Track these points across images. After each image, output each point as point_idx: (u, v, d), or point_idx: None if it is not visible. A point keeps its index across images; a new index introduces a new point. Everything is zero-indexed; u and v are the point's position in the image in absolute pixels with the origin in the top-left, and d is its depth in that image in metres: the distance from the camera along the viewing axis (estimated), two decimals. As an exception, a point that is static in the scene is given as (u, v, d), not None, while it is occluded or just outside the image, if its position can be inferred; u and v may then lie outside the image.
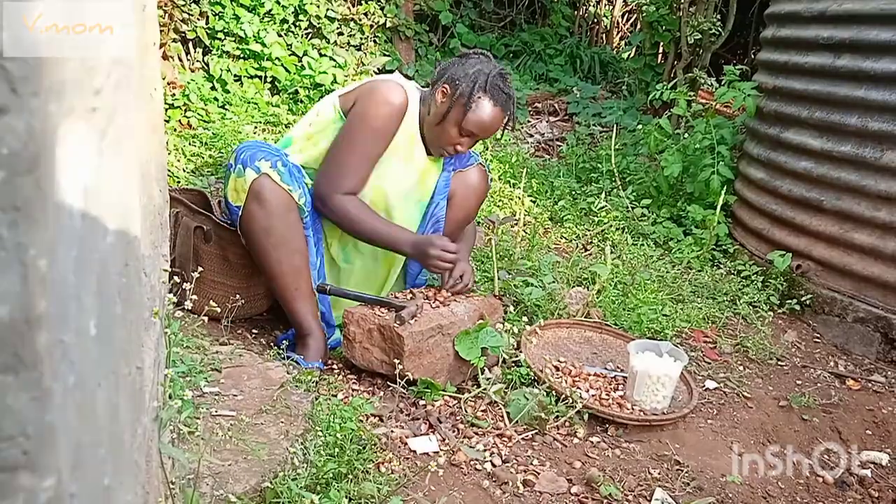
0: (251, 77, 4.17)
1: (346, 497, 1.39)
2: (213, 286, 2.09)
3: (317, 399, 1.75)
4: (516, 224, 2.99)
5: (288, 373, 1.82)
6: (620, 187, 3.69)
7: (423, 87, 2.23)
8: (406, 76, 2.18)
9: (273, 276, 2.00)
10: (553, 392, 1.91)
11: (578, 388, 2.00)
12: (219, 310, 1.58)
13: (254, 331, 2.20)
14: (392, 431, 1.75)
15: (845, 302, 2.65)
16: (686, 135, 3.66)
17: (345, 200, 2.02)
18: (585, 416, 1.89)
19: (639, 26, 5.83)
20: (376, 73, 4.57)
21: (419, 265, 2.26)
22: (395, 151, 2.10)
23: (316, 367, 1.96)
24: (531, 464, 1.73)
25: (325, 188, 2.02)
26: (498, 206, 3.55)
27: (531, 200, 3.65)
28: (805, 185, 2.81)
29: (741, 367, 2.39)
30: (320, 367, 1.99)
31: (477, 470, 1.67)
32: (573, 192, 3.81)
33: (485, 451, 1.73)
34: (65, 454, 0.60)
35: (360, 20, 4.64)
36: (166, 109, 3.60)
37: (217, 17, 4.06)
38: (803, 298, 2.73)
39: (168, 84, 3.75)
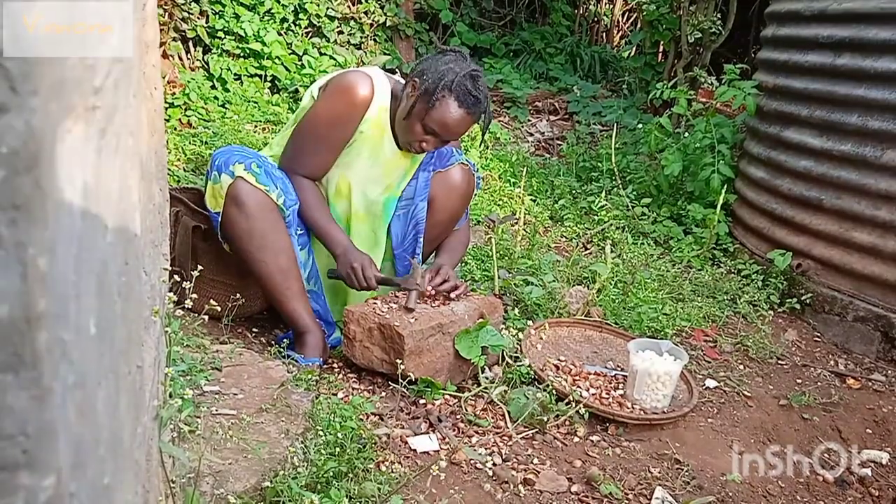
0: (251, 76, 4.16)
1: (347, 496, 1.39)
2: (212, 285, 2.09)
3: (317, 398, 1.75)
4: (516, 223, 2.99)
5: (288, 371, 1.82)
6: (620, 186, 3.69)
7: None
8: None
9: (261, 278, 1.99)
10: (553, 391, 1.91)
11: (579, 386, 2.00)
12: (219, 308, 1.58)
13: (254, 329, 2.20)
14: (392, 430, 1.75)
15: (845, 301, 2.65)
16: (686, 134, 3.66)
17: (297, 181, 2.04)
18: (586, 415, 1.89)
19: (639, 25, 5.83)
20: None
21: (406, 267, 2.24)
22: (363, 142, 2.08)
23: (315, 364, 1.96)
24: (531, 463, 1.73)
25: (282, 166, 2.06)
26: (498, 205, 3.55)
27: (531, 199, 3.65)
28: (805, 183, 2.81)
29: (741, 366, 2.39)
30: (319, 364, 1.99)
31: (477, 469, 1.67)
32: (573, 191, 3.81)
33: (485, 450, 1.73)
34: (65, 453, 0.60)
35: (361, 19, 4.64)
36: (166, 108, 3.60)
37: (217, 16, 4.06)
38: (803, 297, 2.73)
39: (168, 83, 3.75)
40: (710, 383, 2.25)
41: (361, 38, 4.69)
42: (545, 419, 1.85)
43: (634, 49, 5.79)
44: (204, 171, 3.24)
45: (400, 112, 2.05)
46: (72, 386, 0.62)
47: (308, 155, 2.04)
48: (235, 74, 4.10)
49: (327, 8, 4.46)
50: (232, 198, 1.91)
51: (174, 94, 3.74)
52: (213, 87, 4.00)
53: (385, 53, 4.76)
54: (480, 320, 2.00)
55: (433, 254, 2.29)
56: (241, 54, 4.15)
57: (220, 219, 1.95)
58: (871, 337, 2.59)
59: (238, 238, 1.95)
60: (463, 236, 2.33)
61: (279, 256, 1.96)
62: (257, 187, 1.91)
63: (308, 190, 2.05)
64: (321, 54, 4.40)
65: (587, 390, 2.00)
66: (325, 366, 2.03)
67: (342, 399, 1.83)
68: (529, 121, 5.09)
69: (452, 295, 2.06)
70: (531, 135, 4.92)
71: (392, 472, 1.57)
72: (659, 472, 1.78)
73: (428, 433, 1.77)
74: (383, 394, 1.93)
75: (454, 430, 1.81)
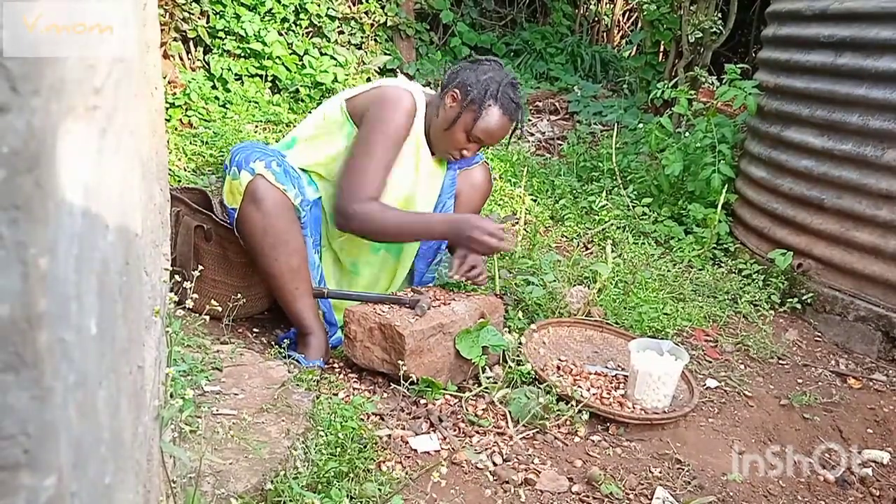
0: (252, 76, 4.17)
1: (348, 496, 1.39)
2: (213, 285, 2.09)
3: (318, 398, 1.75)
4: (517, 223, 2.99)
5: (289, 372, 1.82)
6: (621, 186, 3.69)
7: (423, 86, 2.24)
8: (407, 75, 2.18)
9: (271, 277, 1.99)
10: (554, 391, 1.91)
11: (579, 386, 2.00)
12: (220, 309, 1.58)
13: (255, 330, 2.20)
14: (393, 431, 1.75)
15: (846, 300, 2.65)
16: (687, 133, 3.66)
17: (369, 206, 1.97)
18: (586, 415, 1.89)
19: (640, 25, 5.83)
20: (377, 73, 4.57)
21: (426, 264, 2.27)
22: (405, 156, 2.10)
23: (317, 366, 1.96)
24: (532, 463, 1.73)
25: (349, 198, 1.97)
26: (499, 205, 3.55)
27: (532, 199, 3.65)
28: (806, 183, 2.81)
29: (742, 366, 2.39)
30: (321, 366, 1.99)
31: (478, 469, 1.67)
32: (574, 191, 3.81)
33: (486, 450, 1.73)
34: (66, 453, 0.60)
35: (361, 19, 4.64)
36: (167, 108, 3.60)
37: (218, 16, 4.06)
38: (804, 297, 2.73)
39: (169, 83, 3.75)
40: (711, 383, 2.25)
41: (362, 37, 4.69)
42: (546, 419, 1.85)
43: (635, 49, 5.79)
44: (205, 172, 3.25)
45: (440, 122, 2.09)
46: (73, 386, 0.62)
47: (374, 178, 1.98)
48: (236, 74, 4.11)
49: (328, 8, 4.46)
50: (250, 194, 1.92)
51: (175, 94, 3.74)
52: (213, 87, 4.00)
53: (385, 53, 4.76)
54: (481, 320, 2.00)
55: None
56: (242, 54, 4.16)
57: (236, 214, 1.96)
58: (872, 337, 2.58)
59: (252, 235, 1.95)
60: None
61: (292, 256, 1.97)
62: (276, 186, 1.92)
63: (384, 210, 2.00)
64: (322, 54, 4.40)
65: (588, 390, 2.00)
66: (326, 366, 2.03)
67: (343, 399, 1.83)
68: (530, 120, 5.09)
69: (480, 279, 2.13)
70: (532, 134, 4.92)
71: (393, 472, 1.57)
72: (660, 472, 1.78)
73: (429, 433, 1.77)
74: (384, 394, 1.93)
75: (455, 431, 1.81)
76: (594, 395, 1.99)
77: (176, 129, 3.60)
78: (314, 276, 2.08)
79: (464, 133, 2.07)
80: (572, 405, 1.86)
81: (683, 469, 1.80)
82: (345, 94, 2.12)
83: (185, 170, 3.22)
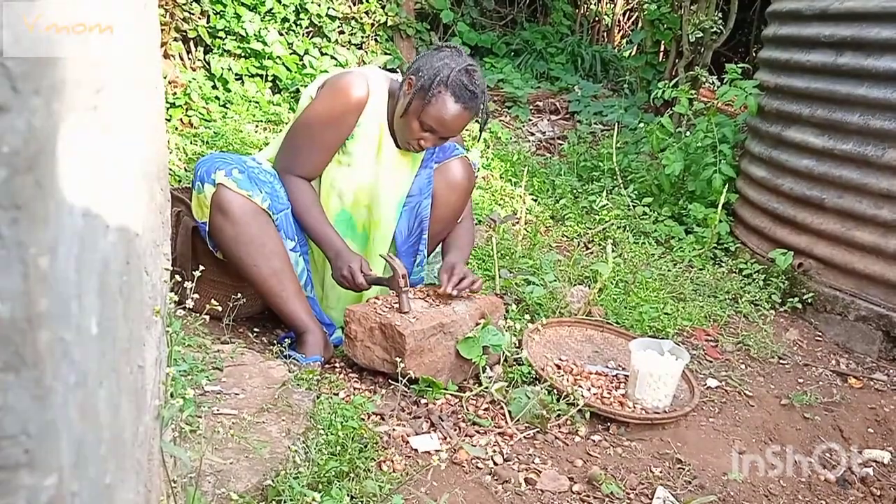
0: (252, 76, 4.17)
1: (348, 495, 1.40)
2: (213, 285, 2.09)
3: (318, 397, 1.75)
4: (517, 222, 2.99)
5: (289, 371, 1.82)
6: (622, 186, 3.69)
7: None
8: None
9: (256, 283, 1.98)
10: (554, 390, 1.91)
11: (580, 386, 2.00)
12: (220, 308, 1.58)
13: (255, 329, 2.20)
14: (393, 430, 1.75)
15: (847, 300, 2.65)
16: (687, 133, 3.66)
17: (292, 183, 2.03)
18: (587, 415, 1.89)
19: (640, 24, 5.83)
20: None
21: (409, 262, 2.23)
22: (365, 145, 2.07)
23: (315, 363, 1.96)
24: (533, 462, 1.73)
25: (277, 167, 2.06)
26: (499, 205, 3.55)
27: (532, 199, 3.65)
28: (807, 183, 2.81)
29: (743, 366, 2.39)
30: (320, 362, 1.98)
31: (478, 468, 1.67)
32: (574, 191, 3.81)
33: (486, 449, 1.73)
34: (66, 453, 0.61)
35: (362, 19, 4.64)
36: (167, 108, 3.60)
37: (218, 16, 4.06)
38: (805, 297, 2.73)
39: (169, 83, 3.75)
40: (712, 383, 2.25)
41: (362, 37, 4.69)
42: (546, 419, 1.85)
43: (635, 48, 5.78)
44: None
45: (397, 110, 2.04)
46: (73, 385, 0.62)
47: (303, 155, 2.03)
48: (236, 74, 4.11)
49: (328, 8, 4.46)
50: (216, 206, 1.90)
51: (175, 93, 3.74)
52: (213, 86, 4.01)
53: (386, 53, 4.76)
54: (482, 320, 2.00)
55: (436, 249, 2.29)
56: (242, 54, 4.16)
57: (207, 228, 1.95)
58: (873, 336, 2.58)
59: (227, 245, 1.94)
60: (467, 230, 2.30)
61: (271, 259, 1.96)
62: (239, 193, 1.91)
63: (303, 191, 2.04)
64: (322, 54, 4.40)
65: (588, 390, 2.00)
66: (327, 365, 2.03)
67: (343, 399, 1.83)
68: (530, 120, 5.09)
69: (474, 287, 2.05)
70: (532, 134, 4.92)
71: (393, 471, 1.57)
72: (660, 472, 1.78)
73: (429, 432, 1.77)
74: (384, 393, 1.93)
75: (455, 430, 1.81)
76: (595, 394, 1.99)
77: (176, 128, 3.60)
78: (300, 279, 2.06)
79: (416, 120, 1.97)
80: (573, 405, 1.86)
81: (684, 469, 1.80)
82: (316, 83, 2.10)
83: (186, 170, 3.22)
